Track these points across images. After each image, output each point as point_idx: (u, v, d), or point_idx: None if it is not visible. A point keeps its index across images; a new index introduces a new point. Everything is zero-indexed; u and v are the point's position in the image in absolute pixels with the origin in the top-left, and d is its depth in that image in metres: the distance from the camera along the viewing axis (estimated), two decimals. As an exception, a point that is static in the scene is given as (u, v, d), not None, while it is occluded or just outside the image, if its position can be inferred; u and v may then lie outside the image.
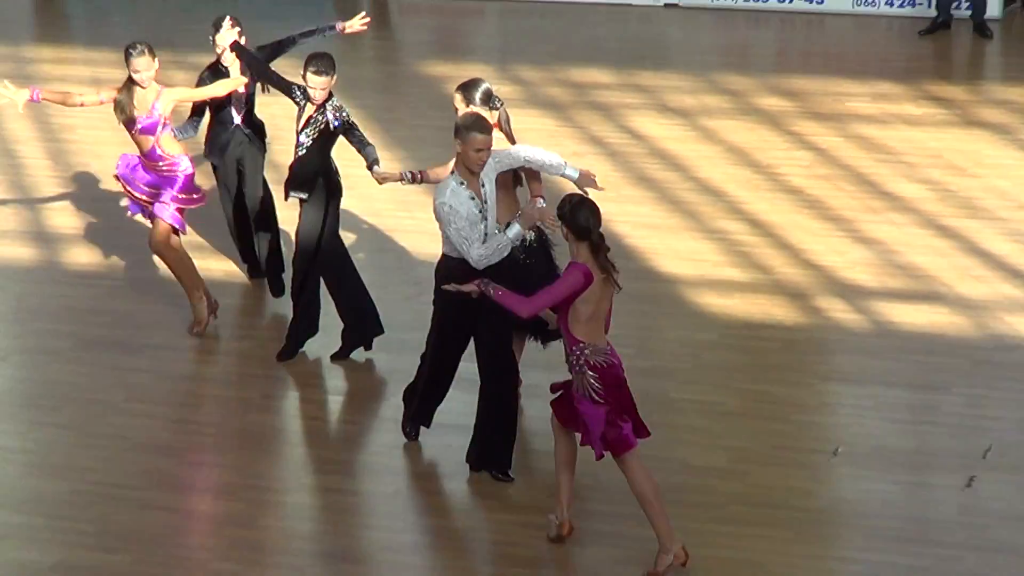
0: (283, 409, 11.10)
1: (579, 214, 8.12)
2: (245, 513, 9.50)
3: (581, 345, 8.33)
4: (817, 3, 19.92)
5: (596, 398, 8.42)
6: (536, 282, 9.38)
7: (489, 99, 9.92)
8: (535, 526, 8.89)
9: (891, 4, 19.51)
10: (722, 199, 13.31)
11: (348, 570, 9.00)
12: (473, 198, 8.85)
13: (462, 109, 9.89)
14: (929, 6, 18.66)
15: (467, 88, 10.12)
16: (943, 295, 12.12)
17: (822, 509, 9.62)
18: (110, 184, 12.88)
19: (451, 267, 9.00)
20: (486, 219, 8.92)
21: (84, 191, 14.07)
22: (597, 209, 8.21)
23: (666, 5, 20.14)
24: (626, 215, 13.12)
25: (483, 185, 8.92)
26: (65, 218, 13.75)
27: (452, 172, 8.92)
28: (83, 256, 12.93)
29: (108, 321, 11.88)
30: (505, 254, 8.88)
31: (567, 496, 8.77)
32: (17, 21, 20.95)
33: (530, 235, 9.86)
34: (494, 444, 9.40)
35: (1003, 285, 12.31)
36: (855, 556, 9.26)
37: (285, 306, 11.49)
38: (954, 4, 18.43)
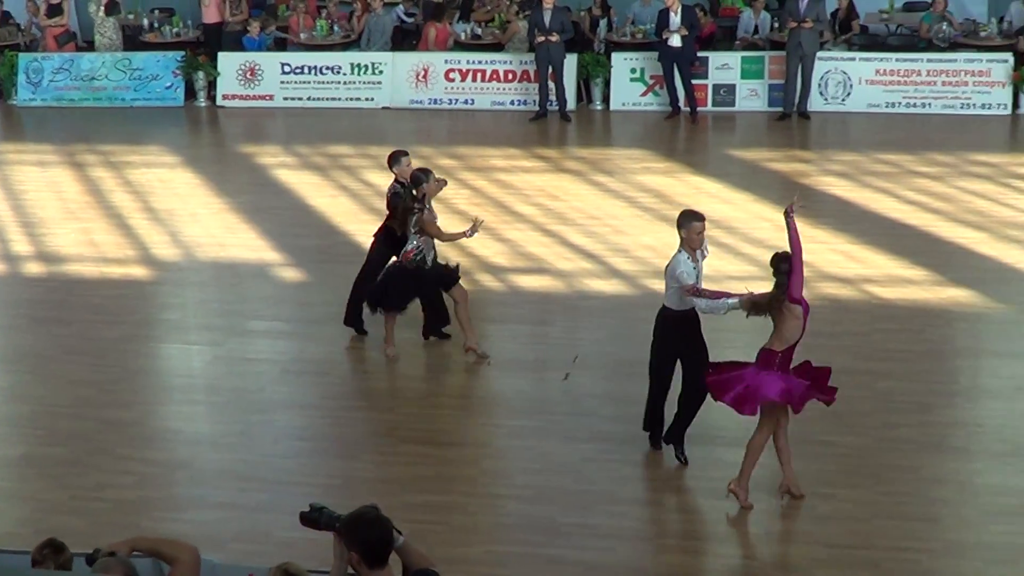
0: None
1: None
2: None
3: None
4: (469, 103, 22.10)
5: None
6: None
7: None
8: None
9: (513, 103, 21.99)
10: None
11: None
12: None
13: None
14: (535, 104, 21.36)
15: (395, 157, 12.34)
16: (548, 269, 14.60)
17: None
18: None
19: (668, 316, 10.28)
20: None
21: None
22: None
23: (383, 108, 22.20)
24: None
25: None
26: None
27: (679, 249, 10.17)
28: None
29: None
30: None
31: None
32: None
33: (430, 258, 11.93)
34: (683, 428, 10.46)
35: (584, 262, 14.72)
36: (500, 422, 11.27)
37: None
38: (549, 103, 21.12)
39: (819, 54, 20.99)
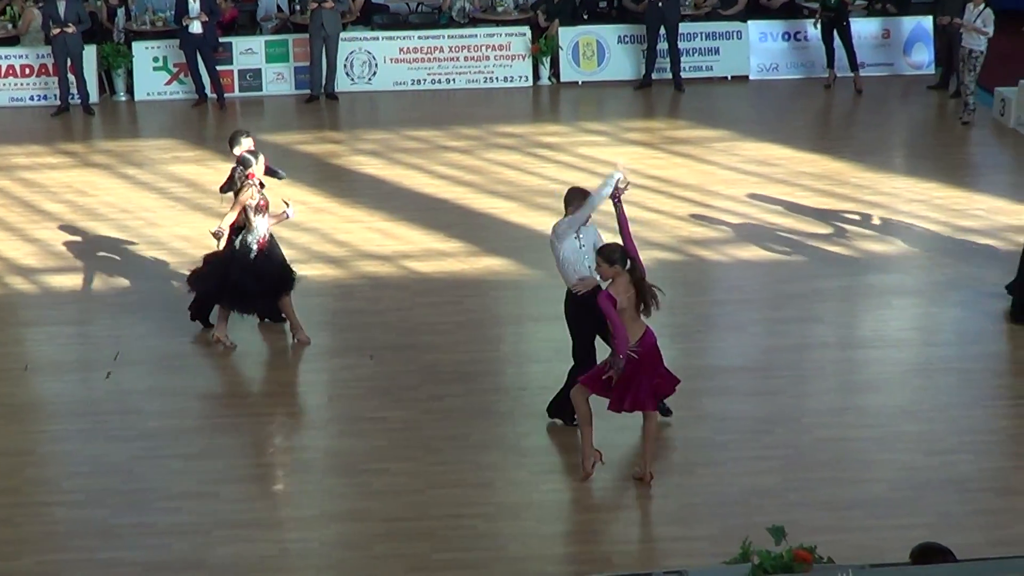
0: None
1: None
2: None
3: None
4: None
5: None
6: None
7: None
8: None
9: (33, 99, 21.06)
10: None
11: None
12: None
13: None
14: (56, 99, 20.63)
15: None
16: (75, 267, 14.15)
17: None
18: None
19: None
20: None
21: None
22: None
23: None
24: None
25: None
26: None
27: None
28: None
29: None
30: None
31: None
32: None
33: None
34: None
35: (118, 256, 14.38)
36: (42, 428, 11.20)
37: None
38: (70, 96, 20.41)
39: (343, 34, 21.26)
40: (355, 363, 11.97)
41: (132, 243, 14.84)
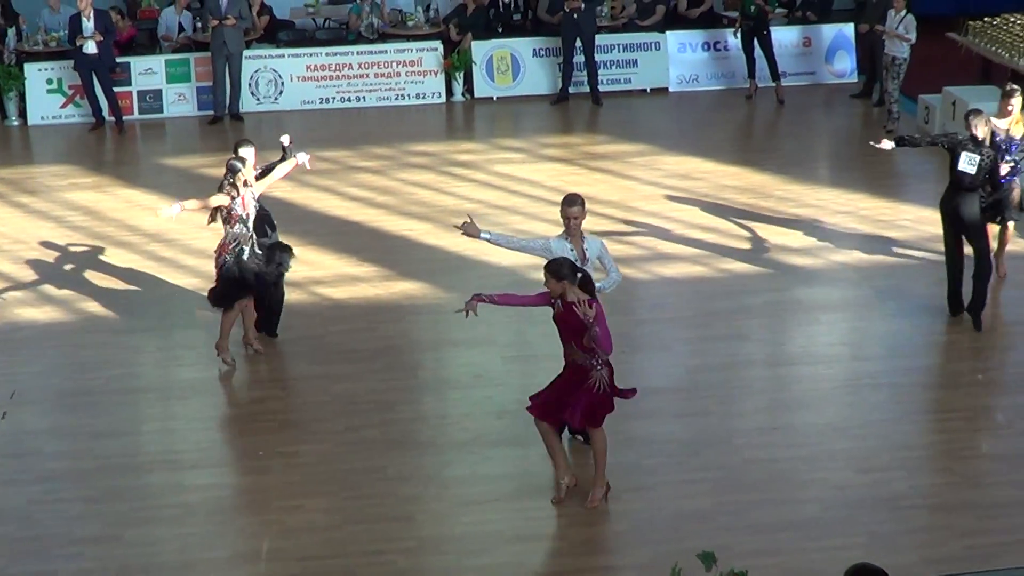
0: None
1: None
2: None
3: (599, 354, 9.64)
4: None
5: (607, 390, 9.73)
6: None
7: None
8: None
9: None
10: None
11: None
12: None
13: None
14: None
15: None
16: None
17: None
18: None
19: None
20: None
21: None
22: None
23: None
24: None
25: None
26: None
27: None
28: None
29: None
30: None
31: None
32: None
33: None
34: None
35: (14, 292, 14.11)
36: None
37: None
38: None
39: (247, 52, 21.18)
40: (265, 395, 11.89)
41: (26, 275, 14.63)
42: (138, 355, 12.49)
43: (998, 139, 13.30)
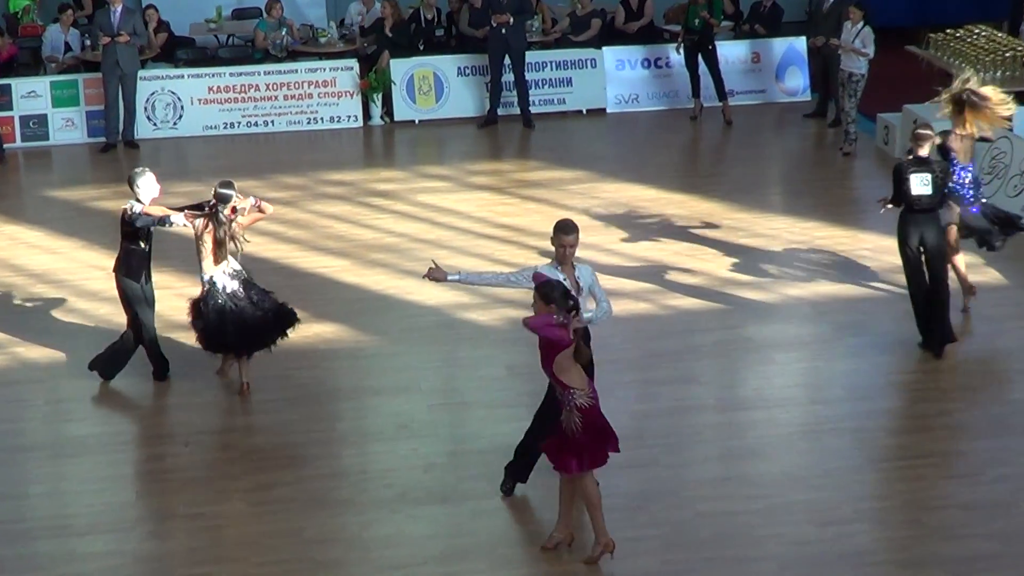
0: None
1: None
2: None
3: (572, 390, 9.65)
4: None
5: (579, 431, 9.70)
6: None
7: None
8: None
9: None
10: None
11: None
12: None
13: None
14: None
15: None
16: None
17: None
18: None
19: None
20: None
21: None
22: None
23: None
24: None
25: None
26: None
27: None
28: None
29: None
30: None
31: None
32: None
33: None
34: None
35: None
36: None
37: None
38: None
39: (142, 73, 21.11)
40: (166, 452, 11.75)
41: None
42: (24, 409, 12.35)
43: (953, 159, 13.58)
